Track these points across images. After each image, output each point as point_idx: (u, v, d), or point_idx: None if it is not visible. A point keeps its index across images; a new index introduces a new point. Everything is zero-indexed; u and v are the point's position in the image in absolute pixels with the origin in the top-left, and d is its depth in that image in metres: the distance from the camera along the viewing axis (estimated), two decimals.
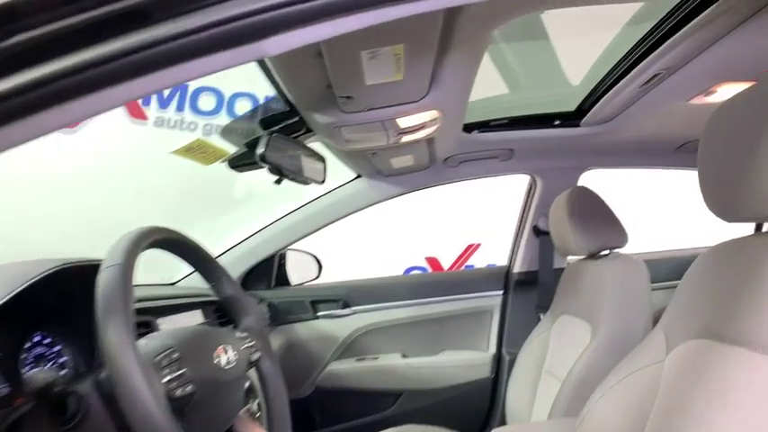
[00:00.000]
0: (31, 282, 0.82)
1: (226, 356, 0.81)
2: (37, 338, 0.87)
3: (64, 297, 0.90)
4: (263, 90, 1.49)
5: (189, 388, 0.70)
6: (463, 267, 3.37)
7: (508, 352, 1.98)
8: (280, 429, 0.94)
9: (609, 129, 1.60)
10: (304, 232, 1.94)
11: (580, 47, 1.48)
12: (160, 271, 1.82)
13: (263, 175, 1.34)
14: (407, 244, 3.26)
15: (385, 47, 0.82)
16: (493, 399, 2.00)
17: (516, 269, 2.06)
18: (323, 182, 1.46)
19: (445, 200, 2.82)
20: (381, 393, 2.00)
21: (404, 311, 2.02)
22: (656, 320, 1.34)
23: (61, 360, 0.90)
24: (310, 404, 1.99)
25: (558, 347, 1.56)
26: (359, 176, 1.89)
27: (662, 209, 3.03)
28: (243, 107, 2.49)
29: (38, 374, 0.70)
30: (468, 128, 1.63)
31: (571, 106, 1.62)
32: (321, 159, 1.44)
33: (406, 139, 1.35)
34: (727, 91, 1.18)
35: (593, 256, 1.52)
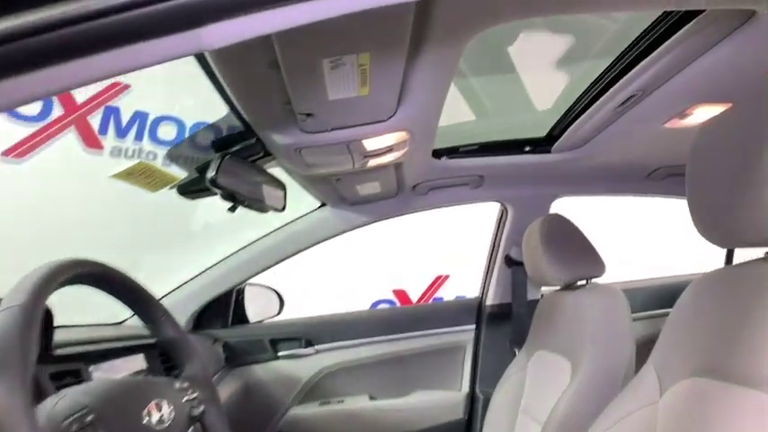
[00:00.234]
0: None
1: (159, 414, 0.68)
2: None
3: None
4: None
5: None
6: (431, 300, 3.30)
7: (482, 391, 1.90)
8: None
9: (581, 155, 1.57)
10: (264, 265, 1.84)
11: (550, 70, 1.45)
12: (108, 308, 1.66)
13: (222, 204, 1.23)
14: (374, 276, 3.18)
15: (348, 55, 0.74)
16: None
17: (489, 301, 2.00)
18: (283, 209, 1.35)
19: (413, 229, 2.76)
20: None
21: (371, 349, 1.94)
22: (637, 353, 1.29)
23: None
24: None
25: (535, 386, 1.48)
26: (323, 205, 1.81)
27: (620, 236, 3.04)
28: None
29: None
30: (438, 153, 1.58)
31: (542, 132, 1.58)
32: (281, 185, 1.34)
33: (372, 163, 1.27)
34: (703, 113, 1.15)
35: (570, 286, 1.47)
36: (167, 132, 2.55)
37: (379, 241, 2.76)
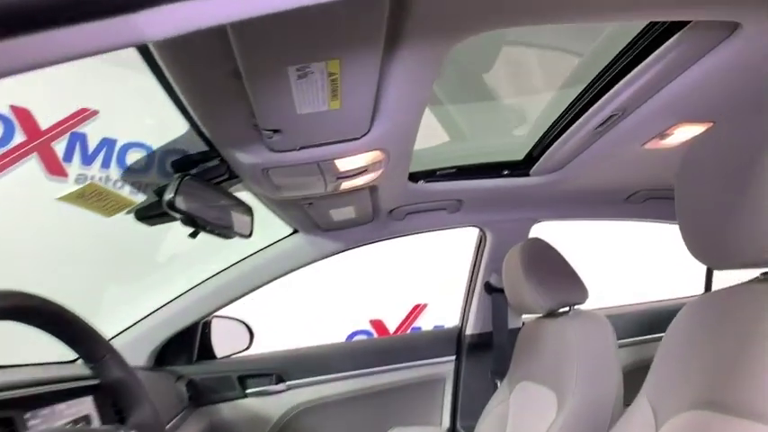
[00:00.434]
0: None
1: None
2: None
3: None
4: (199, 146, 1.35)
5: None
6: (410, 329, 3.21)
7: (463, 426, 1.82)
8: None
9: (559, 177, 1.53)
10: (232, 296, 1.73)
11: (527, 91, 1.43)
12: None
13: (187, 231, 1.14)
14: (350, 305, 3.07)
15: (317, 62, 0.68)
16: None
17: (469, 331, 1.93)
18: (249, 235, 1.27)
19: (389, 256, 2.70)
20: None
21: (347, 384, 1.84)
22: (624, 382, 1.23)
23: None
24: None
25: (519, 419, 1.41)
26: (295, 231, 1.73)
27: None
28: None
29: None
30: (414, 177, 1.53)
31: (520, 155, 1.55)
32: (247, 209, 1.26)
33: (346, 185, 1.20)
34: (683, 133, 1.13)
35: (552, 313, 1.42)
36: (136, 159, 2.46)
37: (354, 269, 2.68)
